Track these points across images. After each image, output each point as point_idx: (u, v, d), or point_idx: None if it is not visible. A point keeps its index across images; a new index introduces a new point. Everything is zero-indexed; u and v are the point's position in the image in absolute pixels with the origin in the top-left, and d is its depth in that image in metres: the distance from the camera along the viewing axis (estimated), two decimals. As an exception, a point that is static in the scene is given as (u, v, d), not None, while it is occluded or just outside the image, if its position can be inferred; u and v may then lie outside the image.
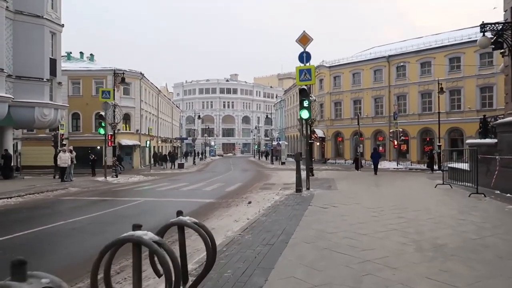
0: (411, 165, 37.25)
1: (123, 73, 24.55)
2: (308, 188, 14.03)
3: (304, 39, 14.29)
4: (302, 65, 14.13)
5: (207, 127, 72.21)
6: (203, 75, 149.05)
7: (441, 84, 30.04)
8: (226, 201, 12.91)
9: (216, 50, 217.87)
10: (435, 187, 14.84)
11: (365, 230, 6.88)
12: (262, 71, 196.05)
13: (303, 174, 15.04)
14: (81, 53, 42.02)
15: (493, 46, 15.36)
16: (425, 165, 32.79)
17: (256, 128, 77.80)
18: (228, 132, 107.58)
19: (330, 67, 46.03)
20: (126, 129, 37.10)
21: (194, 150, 46.74)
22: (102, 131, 21.78)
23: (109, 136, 22.86)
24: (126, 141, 35.80)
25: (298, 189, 13.25)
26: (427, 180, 18.64)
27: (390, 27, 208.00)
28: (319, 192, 13.43)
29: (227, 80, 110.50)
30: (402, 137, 36.93)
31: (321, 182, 17.52)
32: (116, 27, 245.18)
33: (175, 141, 62.68)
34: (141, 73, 37.45)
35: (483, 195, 11.82)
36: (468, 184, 14.43)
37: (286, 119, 64.53)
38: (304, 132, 14.48)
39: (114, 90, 23.97)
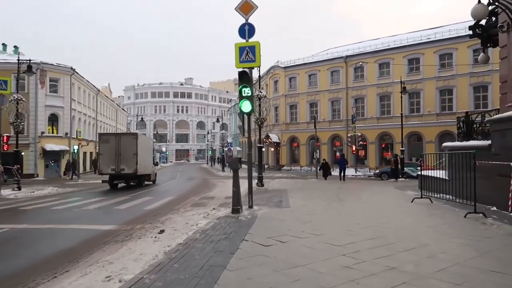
0: (370, 171, 34.70)
1: (29, 61, 19.68)
2: (250, 206, 10.29)
3: (246, 7, 10.61)
4: (243, 41, 10.44)
5: (156, 132, 66.89)
6: (156, 79, 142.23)
7: (403, 83, 27.50)
8: (131, 229, 8.87)
9: (170, 53, 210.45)
10: (412, 201, 11.60)
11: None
12: (218, 75, 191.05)
13: (245, 186, 11.30)
14: (4, 44, 36.22)
15: (472, 33, 12.56)
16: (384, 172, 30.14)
17: (209, 133, 73.37)
18: (182, 138, 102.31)
19: (285, 67, 42.93)
20: (52, 132, 31.80)
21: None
22: (-6, 131, 16.93)
23: (4, 137, 17.93)
24: (51, 146, 30.56)
25: (235, 209, 9.44)
26: (396, 191, 15.51)
27: (344, 38, 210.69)
28: (264, 212, 9.70)
29: (181, 84, 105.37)
30: (360, 142, 34.33)
31: (270, 196, 13.85)
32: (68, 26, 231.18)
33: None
34: (71, 68, 32.33)
35: (482, 214, 8.62)
36: (449, 196, 11.53)
37: (241, 123, 60.69)
38: (246, 130, 10.72)
39: (18, 80, 19.01)
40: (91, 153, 41.18)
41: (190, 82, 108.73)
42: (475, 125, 12.43)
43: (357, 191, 16.17)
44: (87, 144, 37.54)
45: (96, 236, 8.19)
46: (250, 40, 10.43)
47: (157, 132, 69.82)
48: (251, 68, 10.55)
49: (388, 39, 38.35)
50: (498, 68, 29.15)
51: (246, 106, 10.08)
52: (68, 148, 31.53)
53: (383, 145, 36.91)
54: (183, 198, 15.64)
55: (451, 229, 7.39)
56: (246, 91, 10.05)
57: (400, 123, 27.67)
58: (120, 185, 21.57)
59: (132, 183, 21.48)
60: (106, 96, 49.46)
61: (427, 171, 19.18)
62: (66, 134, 32.20)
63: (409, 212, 9.64)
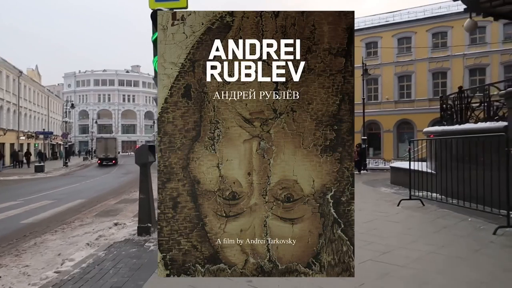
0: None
1: None
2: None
3: None
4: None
5: (95, 122, 60.58)
6: (100, 66, 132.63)
7: (365, 64, 24.86)
8: None
9: (114, 39, 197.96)
10: (399, 205, 8.50)
11: None
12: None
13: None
14: None
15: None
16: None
17: (155, 122, 68.15)
18: (129, 129, 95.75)
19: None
20: (-48, 119, 26.05)
21: (65, 149, 36.42)
22: None
23: None
24: (-49, 135, 24.92)
25: (143, 229, 5.81)
26: (367, 188, 12.48)
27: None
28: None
29: (127, 72, 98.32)
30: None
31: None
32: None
33: (53, 137, 50.65)
34: (-23, 42, 26.59)
35: (517, 229, 5.67)
36: (436, 195, 8.78)
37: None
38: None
39: None
40: (11, 144, 35.27)
41: (137, 69, 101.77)
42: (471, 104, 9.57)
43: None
44: (4, 134, 31.82)
45: None
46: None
47: (96, 122, 63.46)
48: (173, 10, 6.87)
49: (374, 17, 35.43)
50: (496, 49, 27.62)
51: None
52: (-27, 138, 25.99)
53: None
54: (95, 201, 11.66)
55: (496, 262, 4.26)
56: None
57: (363, 108, 24.99)
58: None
59: (111, 163, 36.91)
60: (33, 80, 43.08)
61: (399, 163, 16.46)
62: (-29, 121, 26.59)
63: (408, 225, 6.46)
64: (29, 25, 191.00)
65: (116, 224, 7.03)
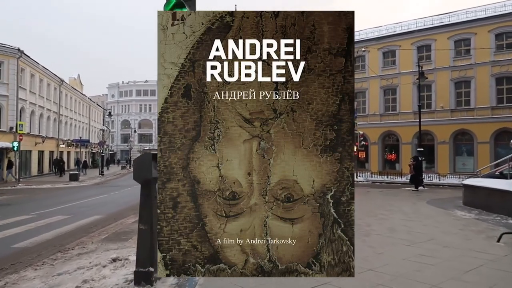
0: (372, 176, 31.47)
1: None
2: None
3: None
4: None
5: (134, 131, 63.10)
6: (142, 77, 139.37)
7: (421, 66, 24.38)
8: None
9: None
10: (499, 240, 7.06)
11: None
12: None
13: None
14: None
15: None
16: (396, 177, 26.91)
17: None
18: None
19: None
20: (-9, 127, 28.11)
21: (102, 157, 38.15)
22: None
23: None
24: (-10, 142, 26.93)
25: (141, 274, 4.62)
26: (437, 211, 11.54)
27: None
28: (209, 281, 4.78)
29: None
30: (362, 142, 31.06)
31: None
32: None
33: (93, 145, 53.28)
34: (18, 50, 28.61)
35: None
36: None
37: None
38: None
39: None
40: (51, 152, 37.50)
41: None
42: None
43: (377, 209, 11.99)
44: (43, 142, 33.89)
45: None
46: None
47: (135, 131, 66.05)
48: None
49: (393, 25, 35.24)
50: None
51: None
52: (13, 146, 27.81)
53: (386, 146, 33.81)
54: (113, 217, 11.80)
55: None
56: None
57: (419, 114, 24.55)
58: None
59: None
60: (75, 89, 45.69)
61: (476, 180, 14.53)
62: (11, 128, 28.47)
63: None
64: (72, 37, 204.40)
65: (115, 260, 6.10)
